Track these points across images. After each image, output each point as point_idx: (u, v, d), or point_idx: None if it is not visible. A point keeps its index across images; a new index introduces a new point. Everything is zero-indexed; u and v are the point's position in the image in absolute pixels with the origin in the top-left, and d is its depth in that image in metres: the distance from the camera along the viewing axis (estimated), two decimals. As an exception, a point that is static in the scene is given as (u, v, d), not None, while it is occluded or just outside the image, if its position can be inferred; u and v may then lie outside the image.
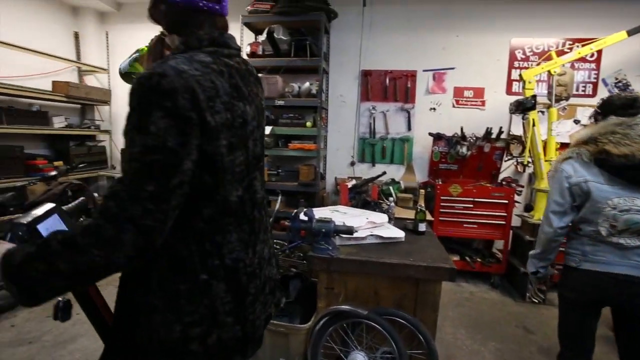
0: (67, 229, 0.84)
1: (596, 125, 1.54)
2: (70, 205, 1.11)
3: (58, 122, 3.86)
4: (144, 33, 4.35)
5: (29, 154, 3.58)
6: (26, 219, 0.81)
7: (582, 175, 1.48)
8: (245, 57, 1.16)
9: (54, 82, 3.81)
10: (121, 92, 4.53)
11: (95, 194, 3.62)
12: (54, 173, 3.28)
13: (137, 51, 1.20)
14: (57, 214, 0.87)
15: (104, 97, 4.33)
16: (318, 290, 1.74)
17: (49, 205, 0.88)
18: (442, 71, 3.84)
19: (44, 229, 0.83)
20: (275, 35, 3.37)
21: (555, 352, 1.69)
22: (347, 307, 1.65)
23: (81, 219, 1.09)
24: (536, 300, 3.06)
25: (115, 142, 4.58)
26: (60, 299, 0.79)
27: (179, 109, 0.69)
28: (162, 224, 0.69)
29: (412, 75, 3.86)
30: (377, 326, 1.60)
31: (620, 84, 3.56)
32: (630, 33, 2.94)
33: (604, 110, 1.60)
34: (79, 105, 4.37)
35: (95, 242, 0.66)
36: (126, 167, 0.70)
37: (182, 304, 0.79)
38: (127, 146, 0.71)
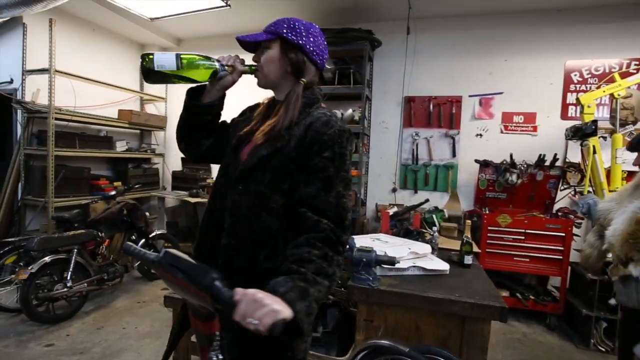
0: (296, 253, 0.86)
1: None
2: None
3: (120, 146, 4.25)
4: (199, 65, 4.75)
5: (94, 174, 3.96)
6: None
7: None
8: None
9: (119, 111, 4.22)
10: (175, 119, 4.87)
11: (147, 213, 3.88)
12: (113, 193, 3.59)
13: (214, 60, 1.02)
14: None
15: (161, 123, 4.71)
16: (357, 322, 1.69)
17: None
18: (489, 96, 3.72)
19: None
20: (319, 64, 3.49)
21: None
22: (387, 342, 1.57)
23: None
24: (603, 349, 2.71)
25: (167, 165, 4.92)
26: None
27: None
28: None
29: (457, 101, 3.78)
30: (418, 365, 1.50)
31: (697, 108, 3.20)
32: None
33: None
34: (138, 131, 4.79)
35: (337, 271, 0.86)
36: (334, 198, 0.89)
37: None
38: (329, 183, 0.90)
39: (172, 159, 4.93)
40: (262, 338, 0.71)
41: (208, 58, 1.01)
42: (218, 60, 1.02)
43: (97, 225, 3.13)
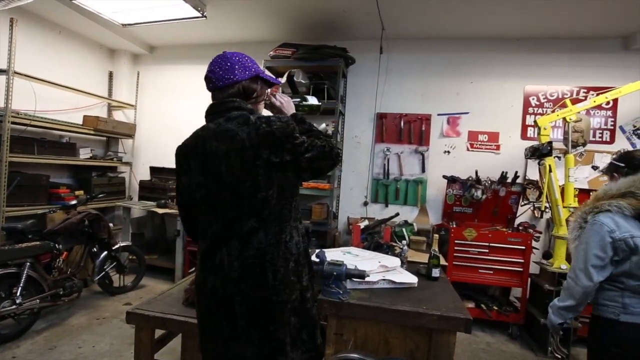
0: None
1: (627, 178, 1.55)
2: None
3: (84, 154, 4.06)
4: (171, 73, 4.67)
5: (53, 182, 3.74)
6: None
7: (627, 230, 1.46)
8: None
9: (84, 117, 4.05)
10: (145, 127, 4.76)
11: (111, 224, 3.70)
12: (73, 202, 3.41)
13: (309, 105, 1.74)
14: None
15: (129, 131, 4.55)
16: (327, 336, 1.68)
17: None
18: (457, 115, 3.91)
19: None
20: (295, 78, 3.55)
21: None
22: (356, 355, 1.58)
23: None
24: (559, 356, 2.85)
25: (135, 174, 4.74)
26: None
27: None
28: None
29: (426, 119, 3.94)
30: (387, 378, 1.52)
31: (638, 131, 3.53)
32: (646, 83, 2.96)
33: (630, 164, 1.61)
34: (104, 138, 4.60)
35: None
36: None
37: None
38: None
39: (140, 168, 4.77)
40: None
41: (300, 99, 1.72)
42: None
43: (54, 236, 2.94)
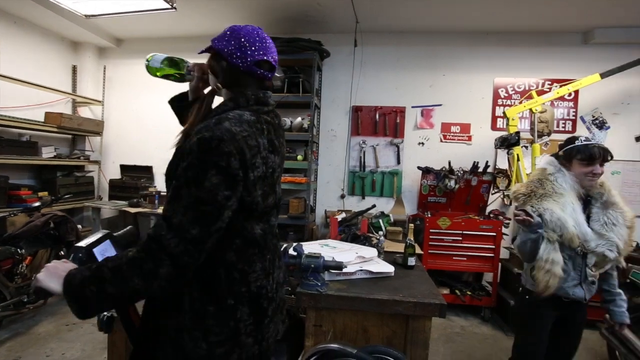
0: (116, 254, 0.92)
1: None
2: (119, 232, 1.30)
3: (47, 153, 3.85)
4: (140, 67, 4.49)
5: (13, 184, 3.53)
6: (85, 242, 0.99)
7: None
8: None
9: (46, 113, 3.84)
10: (113, 124, 4.57)
11: (79, 226, 3.55)
12: (37, 204, 3.24)
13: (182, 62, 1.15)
14: (109, 240, 1.06)
15: (97, 128, 4.36)
16: (306, 328, 1.69)
17: (102, 232, 1.06)
18: (430, 107, 3.99)
19: (99, 252, 0.99)
20: (268, 71, 3.49)
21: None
22: (335, 345, 1.59)
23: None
24: None
25: (104, 173, 4.55)
26: (105, 313, 0.98)
27: (231, 169, 0.83)
28: (196, 261, 0.83)
29: (401, 111, 4.00)
30: (366, 366, 1.54)
31: (597, 121, 3.73)
32: (603, 76, 3.13)
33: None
34: (70, 136, 4.38)
35: (137, 273, 0.79)
36: (172, 211, 0.82)
37: (210, 324, 0.89)
38: (176, 194, 0.83)
39: (110, 167, 4.58)
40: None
41: (183, 61, 1.15)
42: (188, 66, 1.14)
43: (16, 240, 2.77)
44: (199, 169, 0.82)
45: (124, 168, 4.44)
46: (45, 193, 3.69)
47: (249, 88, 0.98)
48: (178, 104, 1.23)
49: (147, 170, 4.40)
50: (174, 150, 0.97)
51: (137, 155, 4.46)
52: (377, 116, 4.02)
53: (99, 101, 4.50)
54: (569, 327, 1.77)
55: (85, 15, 3.54)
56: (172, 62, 1.14)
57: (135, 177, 4.35)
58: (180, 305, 0.89)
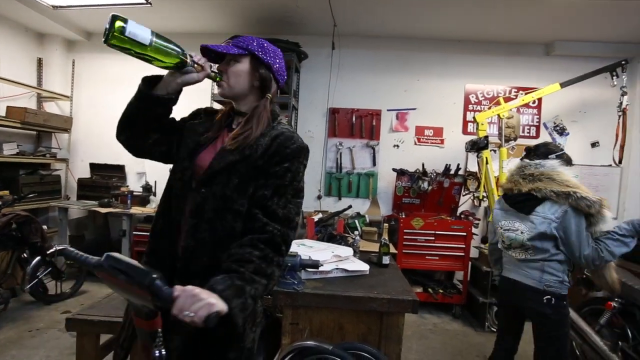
0: (241, 254, 0.94)
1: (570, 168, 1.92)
2: None
3: (8, 149, 3.65)
4: (112, 63, 4.34)
5: (-28, 182, 3.32)
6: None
7: (496, 204, 2.01)
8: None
9: (8, 108, 3.64)
10: (83, 121, 4.39)
11: (45, 227, 3.39)
12: (-2, 204, 3.06)
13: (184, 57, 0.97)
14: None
15: (65, 124, 4.18)
16: (283, 326, 1.71)
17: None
18: (405, 111, 4.11)
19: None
20: (246, 71, 3.48)
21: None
22: (311, 342, 1.62)
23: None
24: (494, 329, 3.16)
25: (72, 171, 4.37)
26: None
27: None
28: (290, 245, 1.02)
29: (377, 114, 4.09)
30: (342, 362, 1.58)
31: (558, 128, 3.98)
32: (563, 85, 3.35)
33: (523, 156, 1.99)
34: (34, 132, 4.17)
35: (276, 270, 0.96)
36: (277, 205, 0.98)
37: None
38: (283, 191, 1.00)
39: (78, 165, 4.40)
40: (212, 336, 0.93)
41: (180, 47, 0.98)
42: (190, 55, 1.01)
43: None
44: (301, 171, 1.05)
45: (94, 167, 4.28)
46: (6, 192, 3.50)
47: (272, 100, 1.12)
48: (150, 91, 1.06)
49: (119, 170, 4.26)
50: (233, 147, 1.02)
51: (108, 153, 4.31)
52: (354, 118, 4.09)
53: (67, 96, 4.31)
54: None
55: (53, 6, 3.40)
56: (169, 42, 0.94)
57: (106, 176, 4.20)
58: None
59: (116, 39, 0.87)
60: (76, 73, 4.35)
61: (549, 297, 1.73)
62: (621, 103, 3.27)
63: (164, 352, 0.79)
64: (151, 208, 3.85)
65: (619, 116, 3.32)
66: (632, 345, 2.15)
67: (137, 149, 1.13)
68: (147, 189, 4.08)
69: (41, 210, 4.12)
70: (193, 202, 1.02)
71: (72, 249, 0.89)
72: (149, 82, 1.05)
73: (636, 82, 3.76)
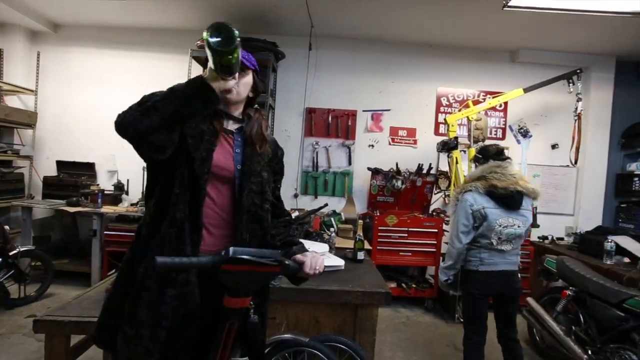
0: None
1: (481, 166, 2.10)
2: None
3: (-33, 145, 3.45)
4: (81, 57, 4.19)
5: None
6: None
7: (480, 203, 2.01)
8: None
9: (-34, 101, 3.44)
10: (49, 116, 4.20)
11: (7, 227, 3.23)
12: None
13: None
14: None
15: (29, 120, 3.98)
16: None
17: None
18: (379, 112, 4.22)
19: None
20: (223, 69, 3.46)
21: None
22: (288, 336, 1.66)
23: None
24: (462, 320, 3.31)
25: (37, 169, 4.17)
26: None
27: None
28: None
29: (352, 114, 4.18)
30: (318, 353, 1.63)
31: (522, 130, 4.22)
32: (526, 90, 3.56)
33: (485, 155, 2.15)
34: (-5, 127, 3.95)
35: None
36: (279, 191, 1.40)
37: None
38: (281, 184, 1.42)
39: (44, 163, 4.20)
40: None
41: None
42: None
43: None
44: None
45: (61, 164, 4.11)
46: (-36, 191, 3.31)
47: None
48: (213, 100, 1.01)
49: (89, 168, 4.11)
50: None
51: (77, 151, 4.15)
52: (330, 118, 4.16)
53: (32, 90, 4.11)
54: None
55: (16, -4, 3.24)
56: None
57: (74, 174, 4.04)
58: None
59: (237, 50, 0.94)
60: (41, 66, 4.16)
61: (519, 273, 2.12)
62: (576, 108, 3.52)
63: (256, 317, 1.04)
64: (123, 207, 3.74)
65: (575, 120, 3.57)
66: (583, 328, 2.34)
67: (164, 150, 1.01)
68: (119, 187, 3.97)
69: (2, 210, 3.91)
70: (230, 199, 1.13)
71: (166, 258, 0.87)
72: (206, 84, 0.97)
73: (590, 89, 4.06)
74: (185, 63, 3.74)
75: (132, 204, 3.81)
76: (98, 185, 3.99)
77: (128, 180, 3.99)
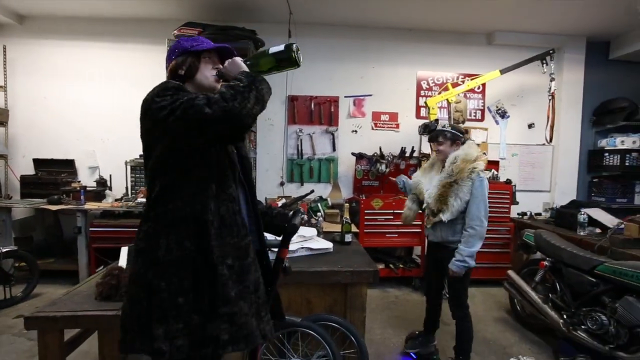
0: None
1: (471, 146, 2.16)
2: None
3: None
4: (52, 50, 4.03)
5: None
6: None
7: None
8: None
9: None
10: (21, 113, 4.06)
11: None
12: None
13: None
14: None
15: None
16: (253, 305, 1.78)
17: None
18: (361, 97, 4.25)
19: None
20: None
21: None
22: (282, 317, 1.72)
23: None
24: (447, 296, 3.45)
25: (12, 168, 4.04)
26: None
27: None
28: None
29: (335, 101, 4.20)
30: (311, 332, 1.70)
31: (500, 111, 4.34)
32: (502, 72, 3.66)
33: (464, 136, 2.24)
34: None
35: None
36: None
37: None
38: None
39: (19, 161, 4.07)
40: None
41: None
42: None
43: None
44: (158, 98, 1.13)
45: (39, 162, 3.99)
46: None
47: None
48: None
49: (68, 164, 4.01)
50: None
51: (55, 148, 4.03)
52: (313, 105, 4.17)
53: (1, 87, 3.95)
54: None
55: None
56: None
57: (54, 172, 3.94)
58: None
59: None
60: (8, 60, 3.98)
61: None
62: (550, 88, 3.64)
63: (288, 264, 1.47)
64: (107, 203, 3.69)
65: (549, 100, 3.70)
66: (559, 296, 2.49)
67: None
68: (102, 183, 3.90)
69: (-21, 212, 3.78)
70: (243, 191, 1.30)
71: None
72: None
73: (562, 69, 4.20)
74: (161, 53, 3.60)
75: (116, 200, 3.76)
76: (79, 182, 3.91)
77: (110, 176, 3.92)
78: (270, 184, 4.22)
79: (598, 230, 3.02)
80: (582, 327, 2.23)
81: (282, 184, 4.21)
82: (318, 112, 4.19)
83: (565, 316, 2.36)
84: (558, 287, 2.51)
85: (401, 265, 3.74)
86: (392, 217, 3.66)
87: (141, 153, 1.06)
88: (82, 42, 4.02)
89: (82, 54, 4.05)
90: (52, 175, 3.90)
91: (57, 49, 4.05)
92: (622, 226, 2.67)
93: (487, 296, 3.54)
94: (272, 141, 4.21)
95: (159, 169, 1.11)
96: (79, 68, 4.04)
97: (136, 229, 1.17)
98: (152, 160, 1.11)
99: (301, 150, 4.18)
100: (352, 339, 1.74)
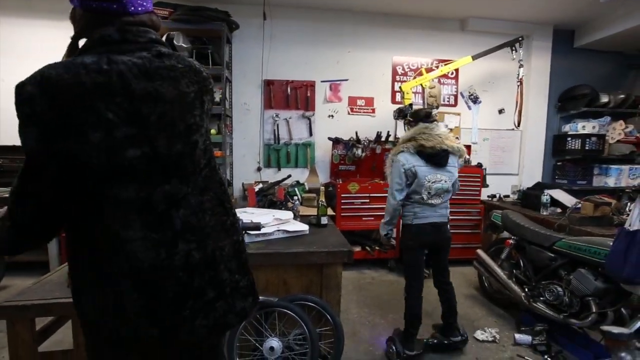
0: None
1: (412, 128, 2.30)
2: None
3: None
4: (7, 28, 3.77)
5: None
6: None
7: (411, 162, 2.20)
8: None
9: None
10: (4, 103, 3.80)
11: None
12: None
13: None
14: None
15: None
16: (230, 288, 1.81)
17: None
18: (337, 82, 4.25)
19: None
20: (175, 42, 3.30)
21: (435, 314, 2.13)
22: (260, 298, 1.75)
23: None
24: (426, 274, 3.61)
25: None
26: None
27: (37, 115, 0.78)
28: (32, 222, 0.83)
29: (311, 85, 4.18)
30: (288, 312, 1.75)
31: (472, 96, 4.46)
32: (474, 58, 3.75)
33: (415, 118, 2.36)
34: None
35: None
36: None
37: (95, 291, 0.85)
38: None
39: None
40: None
41: None
42: None
43: None
44: (21, 126, 0.88)
45: (0, 150, 3.78)
46: None
47: (100, 30, 0.84)
48: None
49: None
50: None
51: (13, 133, 3.81)
52: (289, 90, 4.14)
53: (-48, 68, 3.67)
54: None
55: None
56: None
57: (16, 159, 3.74)
58: (78, 267, 0.90)
59: None
60: (-39, 40, 3.70)
61: (448, 224, 2.35)
62: (519, 74, 3.77)
63: None
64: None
65: (518, 86, 3.83)
66: (522, 271, 2.66)
67: None
68: (69, 170, 3.75)
69: None
70: None
71: None
72: None
73: (530, 56, 4.35)
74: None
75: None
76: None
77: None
78: (247, 169, 4.19)
79: (559, 210, 3.22)
80: (541, 298, 2.40)
81: (259, 169, 4.20)
82: (294, 96, 4.16)
83: (526, 289, 2.53)
84: (521, 263, 2.68)
85: (377, 248, 3.85)
86: (367, 200, 3.74)
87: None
88: (43, 20, 3.78)
89: (42, 33, 3.81)
90: (16, 162, 3.71)
91: (12, 28, 3.79)
92: (579, 205, 2.86)
93: (459, 275, 3.71)
94: (248, 126, 4.16)
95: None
96: (40, 48, 3.81)
97: None
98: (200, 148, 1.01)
99: (278, 135, 4.16)
100: (328, 317, 1.80)
